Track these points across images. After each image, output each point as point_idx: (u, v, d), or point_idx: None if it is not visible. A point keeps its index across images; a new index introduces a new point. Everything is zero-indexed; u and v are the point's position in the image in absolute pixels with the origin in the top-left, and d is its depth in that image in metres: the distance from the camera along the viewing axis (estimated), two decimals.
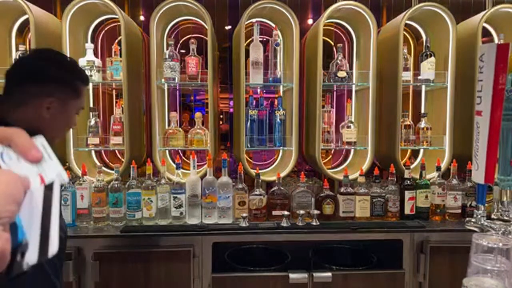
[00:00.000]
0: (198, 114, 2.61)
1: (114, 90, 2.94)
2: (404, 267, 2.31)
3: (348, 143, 2.66)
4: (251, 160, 3.11)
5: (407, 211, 2.45)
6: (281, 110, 2.63)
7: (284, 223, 2.31)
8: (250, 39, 2.62)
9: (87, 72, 2.45)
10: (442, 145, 2.67)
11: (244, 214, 2.30)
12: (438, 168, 2.49)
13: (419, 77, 2.67)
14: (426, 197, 2.45)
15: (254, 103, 2.62)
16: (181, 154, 3.11)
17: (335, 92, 3.00)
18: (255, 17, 2.77)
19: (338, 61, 2.65)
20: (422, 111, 2.90)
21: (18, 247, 0.43)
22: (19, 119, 1.15)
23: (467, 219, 1.18)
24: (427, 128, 2.68)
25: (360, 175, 2.50)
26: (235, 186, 2.40)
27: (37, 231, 0.45)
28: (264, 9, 2.63)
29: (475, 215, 1.16)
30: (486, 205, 1.20)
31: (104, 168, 2.55)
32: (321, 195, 2.45)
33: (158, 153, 2.57)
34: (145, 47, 2.86)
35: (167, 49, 2.61)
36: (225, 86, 3.16)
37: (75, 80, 1.27)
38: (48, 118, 1.19)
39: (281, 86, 2.75)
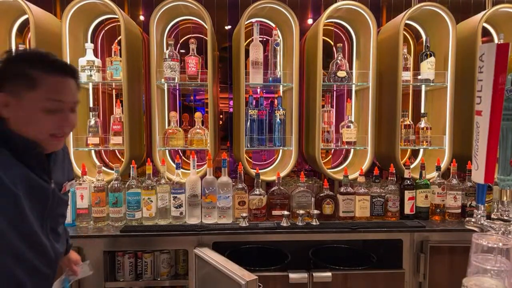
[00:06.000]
0: (198, 114, 2.61)
1: (114, 90, 2.94)
2: (404, 267, 2.31)
3: (348, 143, 2.66)
4: (251, 160, 3.10)
5: (407, 211, 2.45)
6: (281, 110, 2.63)
7: (284, 223, 2.31)
8: (250, 39, 2.62)
9: (87, 72, 2.45)
10: (442, 145, 2.67)
11: (244, 214, 2.30)
12: (438, 168, 2.49)
13: (419, 77, 2.67)
14: (426, 197, 2.45)
15: (254, 103, 2.62)
16: (181, 154, 3.11)
17: (335, 92, 3.00)
18: (255, 17, 2.77)
19: (338, 61, 2.65)
20: (422, 111, 2.91)
21: None
22: None
23: (467, 219, 1.18)
24: (427, 128, 2.68)
25: (360, 175, 2.50)
26: (235, 186, 2.40)
27: None
28: (264, 9, 2.63)
29: (475, 215, 1.16)
30: (486, 205, 1.20)
31: (104, 168, 2.55)
32: (321, 195, 2.45)
33: (158, 153, 2.57)
34: (145, 47, 2.85)
35: (167, 49, 2.60)
36: (225, 86, 3.16)
37: (30, 69, 1.04)
38: (10, 118, 1.01)
39: (281, 86, 2.75)
